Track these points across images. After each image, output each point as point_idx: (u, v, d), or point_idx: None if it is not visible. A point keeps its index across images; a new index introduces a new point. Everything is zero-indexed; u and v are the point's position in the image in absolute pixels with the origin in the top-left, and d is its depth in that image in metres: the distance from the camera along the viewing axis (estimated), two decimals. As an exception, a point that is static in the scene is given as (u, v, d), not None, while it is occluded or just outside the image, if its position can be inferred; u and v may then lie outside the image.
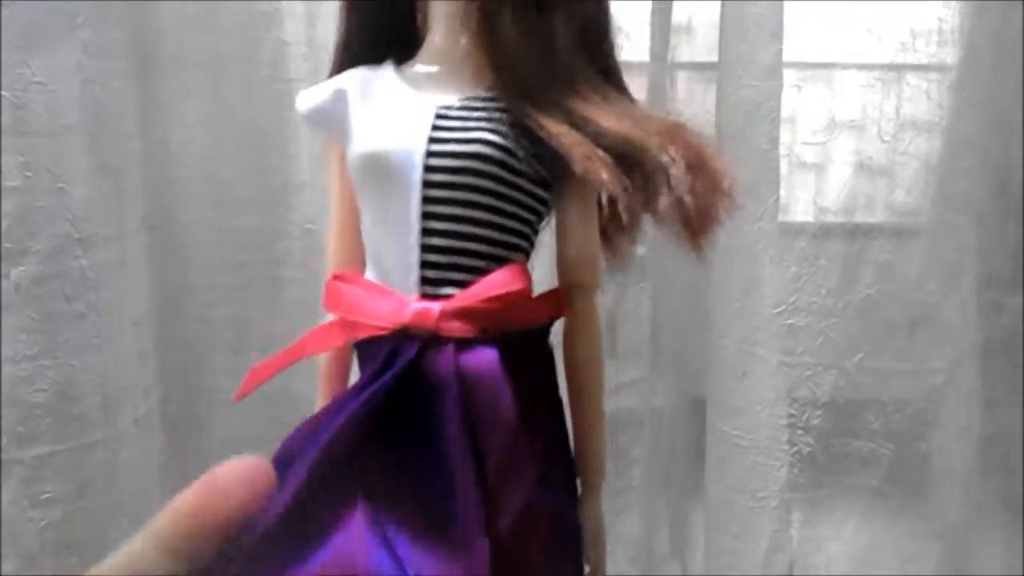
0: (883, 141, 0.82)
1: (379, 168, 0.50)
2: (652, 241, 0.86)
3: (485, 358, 0.47)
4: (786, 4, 0.75)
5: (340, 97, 0.54)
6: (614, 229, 0.59)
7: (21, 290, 0.66)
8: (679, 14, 0.85)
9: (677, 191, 0.48)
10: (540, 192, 0.52)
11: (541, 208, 0.53)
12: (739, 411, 0.79)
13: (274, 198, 0.84)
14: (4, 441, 0.66)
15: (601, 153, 0.48)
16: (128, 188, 0.74)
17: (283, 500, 0.43)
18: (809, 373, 0.82)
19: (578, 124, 0.49)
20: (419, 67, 0.54)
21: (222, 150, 0.83)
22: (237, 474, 0.30)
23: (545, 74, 0.51)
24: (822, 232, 0.82)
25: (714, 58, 0.79)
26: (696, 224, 0.50)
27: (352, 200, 0.54)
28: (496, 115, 0.51)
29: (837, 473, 0.84)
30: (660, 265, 0.88)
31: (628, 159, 0.48)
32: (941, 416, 0.85)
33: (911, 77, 0.81)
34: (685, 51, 0.87)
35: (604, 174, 0.47)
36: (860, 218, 0.84)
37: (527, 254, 0.53)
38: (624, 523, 0.87)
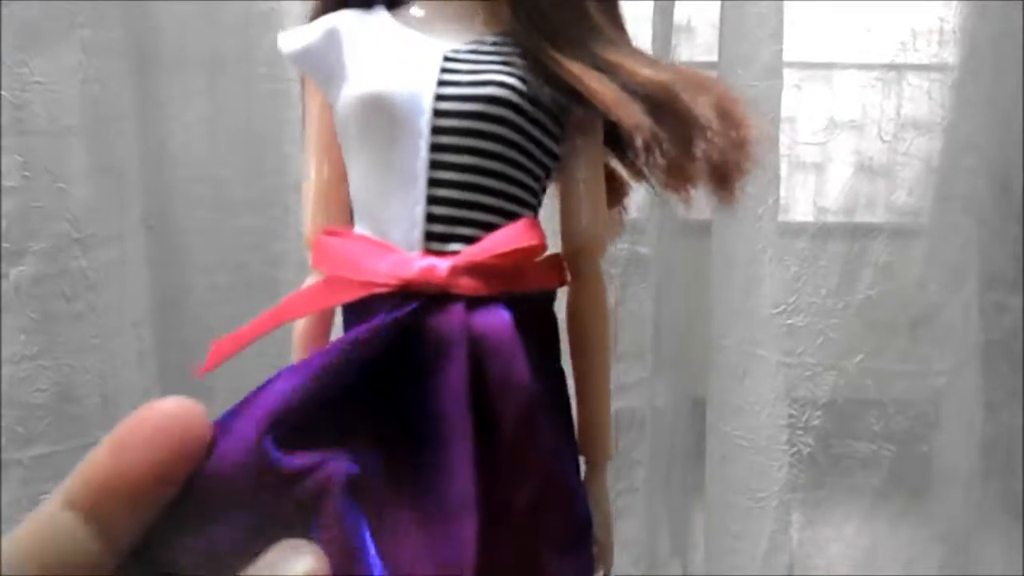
0: (883, 141, 0.82)
1: (381, 112, 0.46)
2: (654, 241, 0.86)
3: (498, 318, 0.43)
4: (786, 4, 0.75)
5: (332, 37, 0.48)
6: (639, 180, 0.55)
7: (20, 290, 0.66)
8: (679, 14, 0.84)
9: (712, 139, 0.46)
10: (551, 146, 0.49)
11: (550, 164, 0.49)
12: (739, 411, 0.79)
13: (272, 199, 0.83)
14: (4, 441, 0.65)
15: (631, 98, 0.45)
16: (127, 188, 0.74)
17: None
18: (809, 374, 0.82)
19: (607, 69, 0.47)
20: (416, 11, 0.50)
21: (220, 150, 0.83)
22: (164, 421, 0.24)
23: (568, 15, 0.48)
24: (822, 232, 0.82)
25: (714, 58, 0.79)
26: (727, 174, 0.47)
27: (337, 155, 0.49)
28: (511, 58, 0.47)
29: (838, 474, 0.84)
30: (661, 265, 0.88)
31: (662, 106, 0.46)
32: (943, 418, 0.84)
33: (912, 77, 0.81)
34: (685, 51, 0.86)
35: (637, 118, 0.45)
36: (860, 218, 0.84)
37: (535, 213, 0.50)
38: (628, 525, 0.87)
